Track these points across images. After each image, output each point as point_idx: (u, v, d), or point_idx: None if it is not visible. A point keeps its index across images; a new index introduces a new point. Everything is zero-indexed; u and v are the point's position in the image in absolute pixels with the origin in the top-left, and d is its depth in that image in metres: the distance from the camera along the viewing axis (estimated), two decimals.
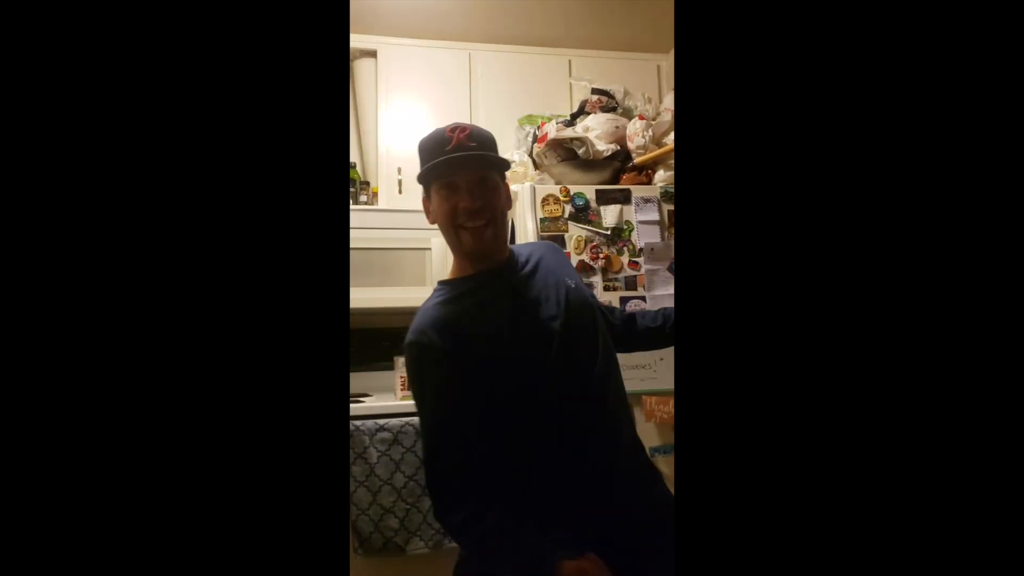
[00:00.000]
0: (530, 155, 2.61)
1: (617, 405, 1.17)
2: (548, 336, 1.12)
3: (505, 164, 1.17)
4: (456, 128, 1.12)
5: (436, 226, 1.17)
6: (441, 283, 1.21)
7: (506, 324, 1.12)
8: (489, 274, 1.17)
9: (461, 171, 1.11)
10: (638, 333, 1.39)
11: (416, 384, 1.12)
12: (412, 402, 1.23)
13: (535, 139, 2.60)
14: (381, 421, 2.20)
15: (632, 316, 1.42)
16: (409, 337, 1.12)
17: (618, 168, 2.51)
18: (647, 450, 1.25)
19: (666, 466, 2.22)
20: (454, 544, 2.15)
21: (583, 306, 1.19)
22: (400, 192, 2.74)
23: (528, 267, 1.20)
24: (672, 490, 1.19)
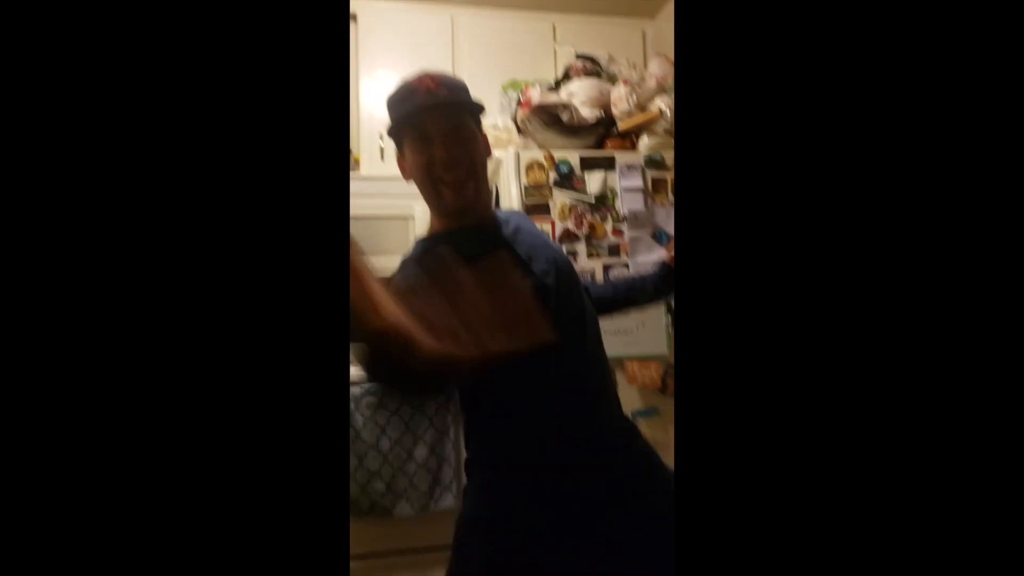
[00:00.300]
0: (514, 121, 2.59)
1: (605, 367, 1.16)
2: (544, 292, 1.06)
3: (479, 108, 1.10)
4: (424, 76, 1.05)
5: (414, 183, 1.09)
6: (421, 240, 1.14)
7: None
8: (475, 229, 1.10)
9: (432, 119, 1.03)
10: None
11: None
12: None
13: (519, 104, 2.58)
14: (367, 385, 2.22)
15: (585, 288, 1.38)
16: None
17: (602, 134, 2.51)
18: (631, 413, 1.26)
19: (648, 429, 2.28)
20: (441, 507, 2.21)
21: (567, 265, 1.17)
22: (383, 159, 2.71)
23: (512, 226, 1.16)
24: (650, 445, 1.19)
